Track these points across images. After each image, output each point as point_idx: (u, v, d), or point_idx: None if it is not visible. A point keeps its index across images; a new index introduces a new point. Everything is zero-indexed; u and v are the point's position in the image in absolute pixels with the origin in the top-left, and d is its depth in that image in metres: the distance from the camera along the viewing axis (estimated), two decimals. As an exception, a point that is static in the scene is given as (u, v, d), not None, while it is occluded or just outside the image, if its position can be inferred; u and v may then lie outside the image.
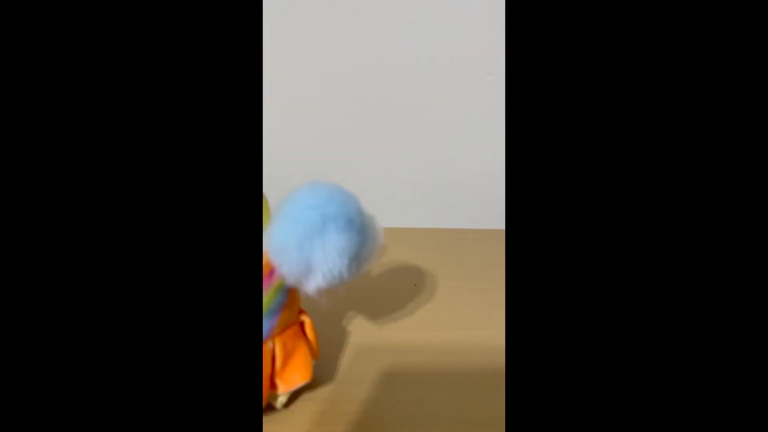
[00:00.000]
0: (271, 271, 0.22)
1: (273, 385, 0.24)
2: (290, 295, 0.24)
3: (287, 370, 0.24)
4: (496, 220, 0.54)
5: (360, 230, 0.22)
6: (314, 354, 0.26)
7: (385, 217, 0.26)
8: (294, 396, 0.26)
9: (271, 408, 0.25)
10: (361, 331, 0.33)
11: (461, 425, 0.26)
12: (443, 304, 0.37)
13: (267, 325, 0.23)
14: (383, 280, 0.39)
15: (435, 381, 0.29)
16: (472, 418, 0.26)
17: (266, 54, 0.44)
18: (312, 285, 0.22)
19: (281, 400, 0.25)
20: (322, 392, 0.27)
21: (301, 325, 0.26)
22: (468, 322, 0.35)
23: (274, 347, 0.24)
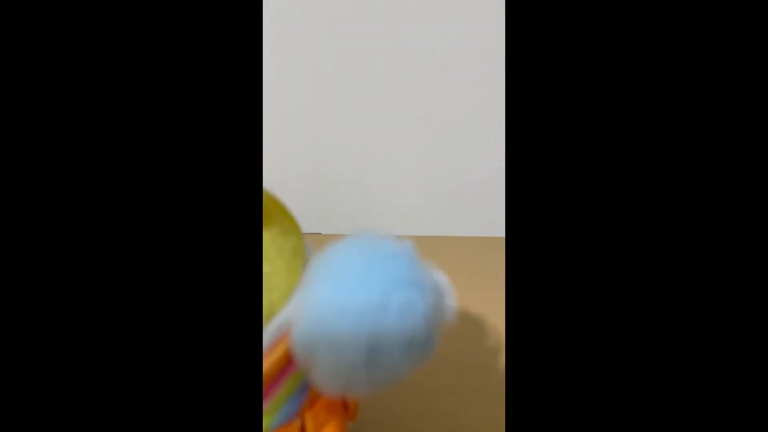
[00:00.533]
0: (291, 361, 0.18)
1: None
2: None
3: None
4: (494, 228, 0.53)
5: (425, 343, 0.17)
6: (351, 416, 0.23)
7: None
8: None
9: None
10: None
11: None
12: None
13: (293, 406, 0.20)
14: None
15: (436, 390, 0.30)
16: (473, 422, 0.28)
17: (266, 55, 0.41)
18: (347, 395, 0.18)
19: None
20: None
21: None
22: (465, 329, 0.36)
23: (303, 425, 0.21)
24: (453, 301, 0.19)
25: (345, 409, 0.23)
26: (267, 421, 0.19)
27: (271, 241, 0.19)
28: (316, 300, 0.17)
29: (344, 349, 0.15)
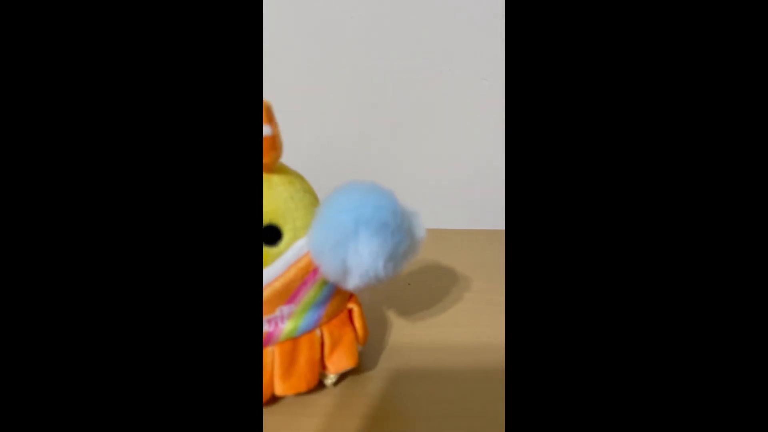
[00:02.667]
0: (315, 269, 0.25)
1: (324, 367, 0.28)
2: (336, 288, 0.27)
3: (335, 355, 0.28)
4: (494, 220, 0.56)
5: (395, 231, 0.23)
6: (360, 340, 0.29)
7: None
8: (342, 377, 0.29)
9: (322, 385, 0.29)
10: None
11: (465, 419, 0.27)
12: (442, 303, 0.39)
13: (314, 315, 0.27)
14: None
15: (439, 377, 0.30)
16: (474, 411, 0.28)
17: (266, 58, 0.47)
18: (350, 284, 0.24)
19: (331, 378, 0.29)
20: (334, 387, 0.29)
21: (350, 312, 0.29)
22: (466, 321, 0.37)
23: (322, 335, 0.27)
24: (421, 227, 0.26)
25: (355, 330, 0.29)
26: (295, 324, 0.26)
27: (294, 193, 0.26)
28: (320, 215, 0.24)
29: (339, 238, 0.22)
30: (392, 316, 0.37)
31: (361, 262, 0.22)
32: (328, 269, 0.24)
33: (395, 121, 0.54)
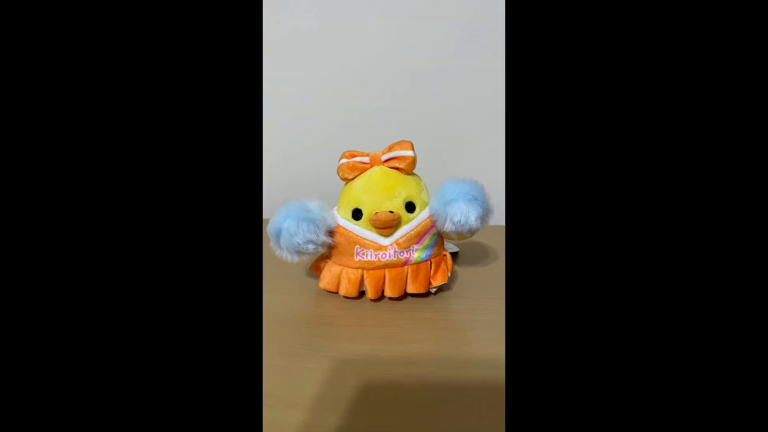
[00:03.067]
0: (431, 227, 0.48)
1: (429, 283, 0.51)
2: (440, 238, 0.50)
3: (436, 275, 0.51)
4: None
5: (481, 204, 0.45)
6: (449, 270, 0.52)
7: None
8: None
9: (428, 293, 0.52)
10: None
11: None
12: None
13: (428, 252, 0.50)
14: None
15: (437, 362, 0.36)
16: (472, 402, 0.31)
17: (266, 60, 0.66)
18: (448, 229, 0.47)
19: (433, 289, 0.51)
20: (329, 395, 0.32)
21: (444, 256, 0.52)
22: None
23: (431, 263, 0.50)
24: (492, 206, 0.48)
25: (446, 265, 0.52)
26: (419, 255, 0.49)
27: (419, 184, 0.50)
28: (436, 193, 0.47)
29: (447, 201, 0.45)
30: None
31: (458, 217, 0.45)
32: (439, 221, 0.47)
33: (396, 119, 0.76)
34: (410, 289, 0.49)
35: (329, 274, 0.50)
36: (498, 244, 0.66)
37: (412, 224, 0.48)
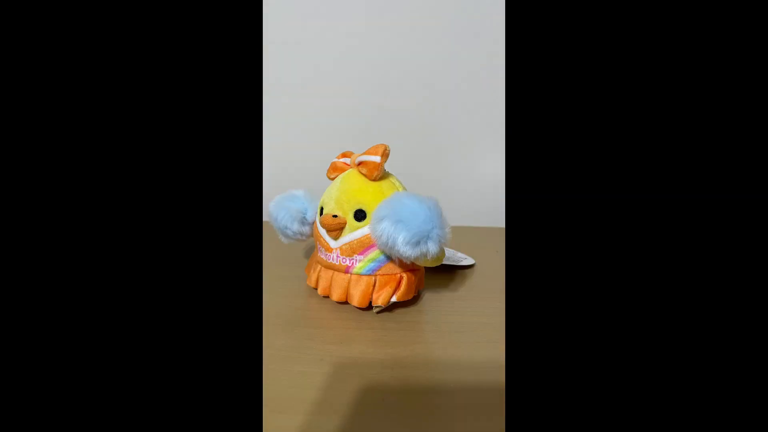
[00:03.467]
0: (372, 244, 0.46)
1: (372, 299, 0.48)
2: (390, 260, 0.47)
3: (379, 294, 0.47)
4: (494, 218, 0.77)
5: (409, 227, 0.40)
6: (404, 295, 0.48)
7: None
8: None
9: (369, 308, 0.49)
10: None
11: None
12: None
13: (373, 266, 0.47)
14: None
15: (441, 364, 0.37)
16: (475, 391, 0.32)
17: (265, 58, 0.71)
18: (396, 254, 0.44)
19: (375, 309, 0.48)
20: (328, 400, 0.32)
21: (400, 278, 0.49)
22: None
23: (375, 279, 0.47)
24: (445, 236, 0.43)
25: (398, 289, 0.48)
26: (363, 267, 0.47)
27: (376, 194, 0.47)
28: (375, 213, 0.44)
29: (381, 233, 0.42)
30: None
31: (384, 238, 0.41)
32: (373, 237, 0.44)
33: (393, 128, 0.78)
34: (350, 300, 0.47)
35: (309, 269, 0.52)
36: (485, 245, 0.67)
37: (356, 233, 0.46)
